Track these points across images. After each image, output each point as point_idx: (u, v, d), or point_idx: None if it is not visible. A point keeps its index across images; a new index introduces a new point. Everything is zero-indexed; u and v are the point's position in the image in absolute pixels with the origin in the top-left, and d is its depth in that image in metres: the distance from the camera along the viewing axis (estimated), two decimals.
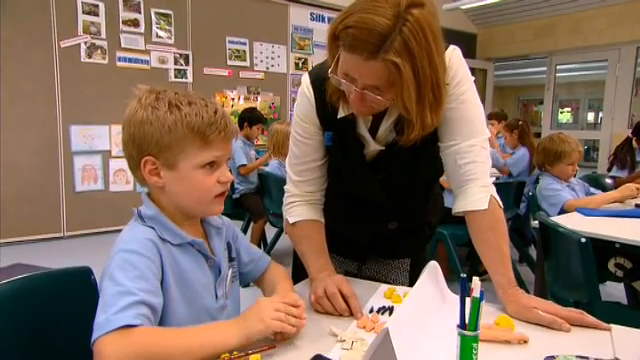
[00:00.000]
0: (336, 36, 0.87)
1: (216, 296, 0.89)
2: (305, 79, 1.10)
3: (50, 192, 4.23)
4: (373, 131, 1.07)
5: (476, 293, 0.62)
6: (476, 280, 0.63)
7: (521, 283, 2.90)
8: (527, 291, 0.96)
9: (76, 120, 4.27)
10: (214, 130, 0.81)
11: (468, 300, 0.64)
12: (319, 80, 1.04)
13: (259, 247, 3.66)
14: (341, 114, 1.04)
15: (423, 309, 0.84)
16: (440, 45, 0.88)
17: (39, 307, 0.89)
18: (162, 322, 0.78)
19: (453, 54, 1.00)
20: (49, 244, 4.17)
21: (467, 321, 0.64)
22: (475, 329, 0.64)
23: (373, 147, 1.07)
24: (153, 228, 0.82)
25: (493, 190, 1.03)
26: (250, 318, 0.77)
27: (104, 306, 0.70)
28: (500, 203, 1.03)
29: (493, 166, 3.47)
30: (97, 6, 4.30)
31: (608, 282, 2.36)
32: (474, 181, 1.02)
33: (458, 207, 1.05)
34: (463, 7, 6.27)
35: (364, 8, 0.83)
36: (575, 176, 2.59)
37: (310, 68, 1.16)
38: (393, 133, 1.05)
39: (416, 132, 0.94)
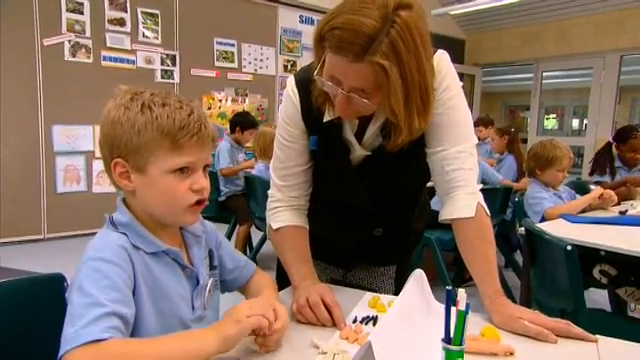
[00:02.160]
0: (322, 37, 0.85)
1: (193, 307, 0.85)
2: (290, 81, 1.08)
3: (31, 193, 4.14)
4: (359, 136, 1.05)
5: (461, 306, 0.60)
6: (462, 293, 0.61)
7: (506, 288, 2.91)
8: (512, 296, 0.95)
9: (59, 120, 4.19)
10: (185, 134, 0.77)
11: (453, 313, 0.62)
12: (305, 82, 1.02)
13: (244, 251, 3.64)
14: (327, 118, 1.02)
15: (408, 320, 0.81)
16: (428, 48, 0.87)
17: (4, 317, 0.85)
18: (132, 334, 0.73)
19: (441, 59, 0.98)
20: (29, 246, 4.08)
21: (452, 335, 0.62)
22: (460, 344, 0.61)
23: (359, 152, 1.05)
24: (126, 235, 0.79)
25: (480, 197, 1.02)
26: (225, 322, 0.73)
27: (72, 318, 0.66)
28: (487, 211, 1.02)
29: (488, 182, 3.44)
30: (82, 4, 4.23)
31: (591, 288, 2.38)
32: (461, 188, 1.01)
33: (445, 214, 1.03)
34: (452, 13, 6.32)
35: (351, 9, 0.80)
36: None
37: None
38: (379, 138, 1.03)
39: (403, 137, 0.92)
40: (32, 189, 4.15)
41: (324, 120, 1.02)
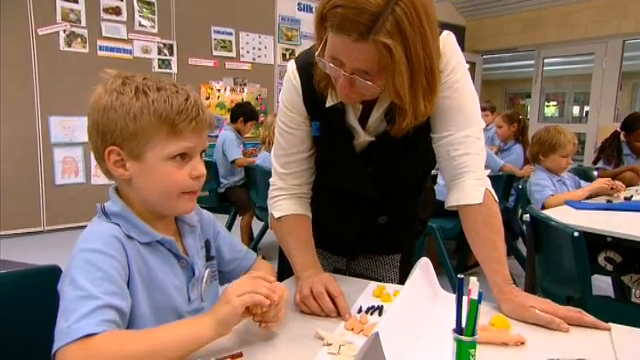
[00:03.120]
0: (324, 16, 0.81)
1: (189, 298, 0.83)
2: (291, 65, 1.04)
3: (29, 185, 4.11)
4: (363, 121, 1.02)
5: (474, 295, 0.57)
6: (474, 281, 0.58)
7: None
8: (515, 284, 0.92)
9: (55, 111, 4.14)
10: (184, 119, 0.74)
11: (465, 302, 0.59)
12: (306, 66, 0.99)
13: (249, 242, 3.62)
14: (329, 103, 0.99)
15: (414, 309, 0.79)
16: (435, 28, 0.83)
17: (1, 309, 0.83)
18: (126, 327, 0.71)
19: (447, 40, 0.95)
20: (28, 239, 4.06)
21: (464, 325, 0.59)
22: (472, 334, 0.59)
23: (363, 138, 1.02)
24: (118, 225, 0.76)
25: (488, 183, 0.99)
26: (218, 305, 0.71)
27: (64, 312, 0.63)
28: (495, 197, 0.99)
29: (488, 167, 3.39)
30: None
31: (595, 275, 2.36)
32: (468, 173, 0.98)
33: (451, 200, 1.00)
34: None
35: None
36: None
37: None
38: (384, 123, 1.00)
39: (408, 120, 0.89)
40: (30, 181, 4.12)
41: (327, 105, 0.99)
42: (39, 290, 0.88)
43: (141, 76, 0.77)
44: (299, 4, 5.65)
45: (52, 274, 0.91)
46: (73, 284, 0.66)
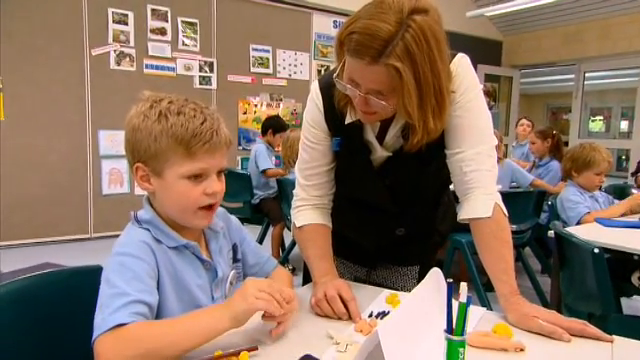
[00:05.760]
0: (342, 42, 0.89)
1: (212, 297, 0.91)
2: (314, 86, 1.13)
3: (78, 194, 4.38)
4: (380, 137, 1.08)
5: (462, 299, 0.63)
6: (463, 286, 0.64)
7: (541, 294, 2.84)
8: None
9: (104, 125, 4.41)
10: (197, 142, 0.81)
11: (456, 305, 0.65)
12: (328, 87, 1.06)
13: (278, 252, 3.72)
14: (349, 120, 1.06)
15: (419, 313, 0.84)
16: (443, 51, 0.89)
17: (51, 303, 0.93)
18: (157, 318, 0.80)
19: (460, 62, 1.00)
20: (77, 244, 4.31)
21: (454, 326, 0.65)
22: (462, 334, 0.64)
23: (380, 153, 1.08)
24: (149, 230, 0.85)
25: (498, 198, 1.03)
26: (235, 298, 0.78)
27: (101, 307, 0.74)
28: (505, 211, 1.02)
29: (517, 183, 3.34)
30: (127, 15, 4.46)
31: (635, 296, 2.30)
32: (479, 189, 1.02)
33: (462, 214, 1.05)
34: (488, 14, 6.20)
35: (368, 14, 0.84)
36: (601, 188, 2.53)
37: None
38: (400, 139, 1.06)
39: (419, 137, 0.94)
40: (79, 191, 4.39)
41: (346, 122, 1.06)
42: (85, 286, 0.99)
43: (168, 99, 0.85)
44: (335, 22, 5.77)
45: (96, 273, 1.01)
46: (108, 283, 0.76)
